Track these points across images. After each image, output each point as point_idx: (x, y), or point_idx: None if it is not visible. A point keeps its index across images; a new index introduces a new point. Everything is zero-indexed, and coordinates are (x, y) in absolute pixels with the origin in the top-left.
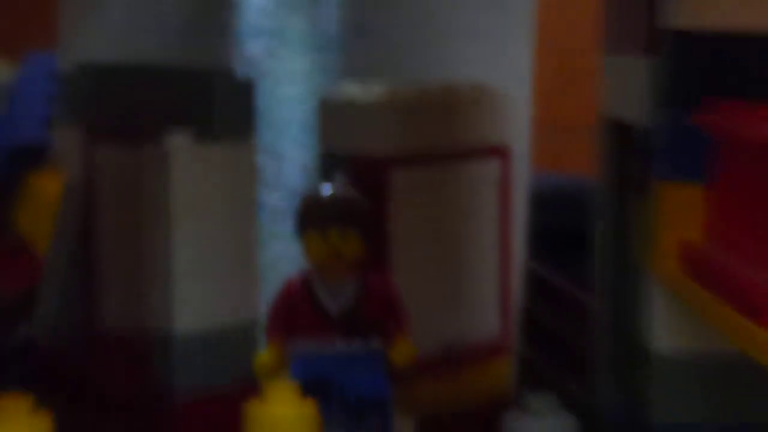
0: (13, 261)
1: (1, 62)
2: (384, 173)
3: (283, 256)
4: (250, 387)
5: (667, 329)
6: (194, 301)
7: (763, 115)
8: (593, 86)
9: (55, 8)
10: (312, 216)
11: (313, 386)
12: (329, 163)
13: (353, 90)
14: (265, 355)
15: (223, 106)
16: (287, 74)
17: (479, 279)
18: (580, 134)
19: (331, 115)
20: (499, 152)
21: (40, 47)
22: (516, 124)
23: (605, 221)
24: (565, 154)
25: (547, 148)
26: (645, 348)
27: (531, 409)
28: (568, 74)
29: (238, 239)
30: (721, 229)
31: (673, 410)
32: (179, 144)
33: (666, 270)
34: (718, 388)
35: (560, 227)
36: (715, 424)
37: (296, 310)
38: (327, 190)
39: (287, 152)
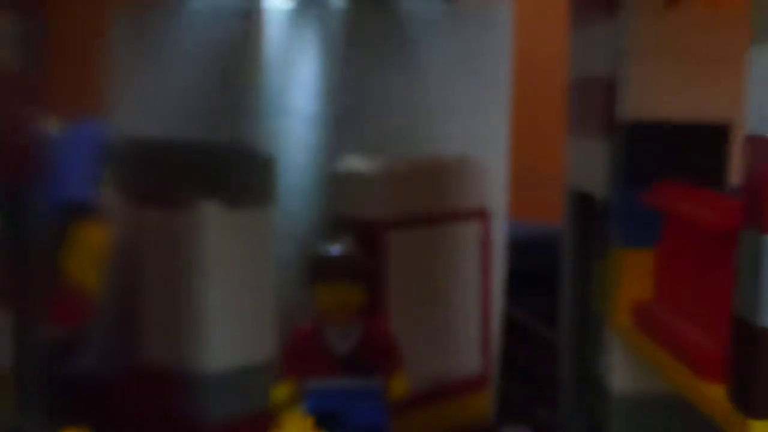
0: (65, 303)
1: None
2: (382, 234)
3: (296, 304)
4: (269, 418)
5: (623, 372)
6: (222, 342)
7: (698, 196)
8: (562, 153)
9: (103, 85)
10: (322, 271)
11: (323, 417)
12: (336, 226)
13: (355, 163)
14: (281, 390)
15: (247, 178)
16: (300, 148)
17: (463, 323)
18: (552, 189)
19: (337, 185)
20: (480, 215)
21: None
22: (495, 187)
23: (570, 279)
24: (539, 207)
25: (523, 201)
26: (604, 388)
27: None
28: (542, 140)
29: (258, 290)
30: (666, 290)
31: None
32: (210, 211)
33: (622, 322)
34: (668, 426)
35: (534, 273)
36: None
37: (308, 351)
38: (335, 249)
39: (300, 215)
